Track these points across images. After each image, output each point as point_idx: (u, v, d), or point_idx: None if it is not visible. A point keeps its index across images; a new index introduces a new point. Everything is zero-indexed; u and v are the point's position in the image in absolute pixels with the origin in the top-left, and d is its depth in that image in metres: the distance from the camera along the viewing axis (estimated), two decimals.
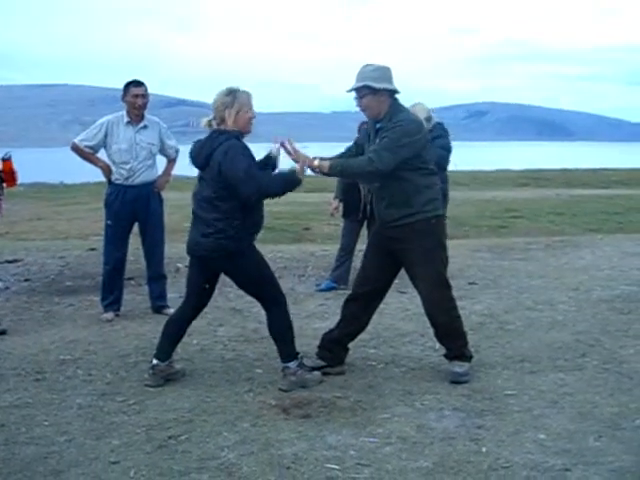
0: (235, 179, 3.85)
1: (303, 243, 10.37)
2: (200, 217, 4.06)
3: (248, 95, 4.04)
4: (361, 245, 6.07)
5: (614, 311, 5.89)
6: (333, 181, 7.01)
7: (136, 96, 5.64)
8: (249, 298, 4.44)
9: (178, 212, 9.97)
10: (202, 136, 4.12)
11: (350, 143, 4.61)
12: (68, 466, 3.19)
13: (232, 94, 3.99)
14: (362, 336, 4.66)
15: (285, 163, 4.14)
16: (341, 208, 6.95)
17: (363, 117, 4.51)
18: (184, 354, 4.72)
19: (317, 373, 4.28)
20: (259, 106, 4.16)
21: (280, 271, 7.59)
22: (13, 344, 5.04)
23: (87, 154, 5.72)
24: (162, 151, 5.94)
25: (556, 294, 6.52)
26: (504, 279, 7.25)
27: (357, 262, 5.39)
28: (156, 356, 4.24)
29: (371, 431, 3.54)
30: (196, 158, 4.06)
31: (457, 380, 4.20)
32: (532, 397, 4.00)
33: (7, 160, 5.62)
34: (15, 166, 5.65)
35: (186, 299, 4.30)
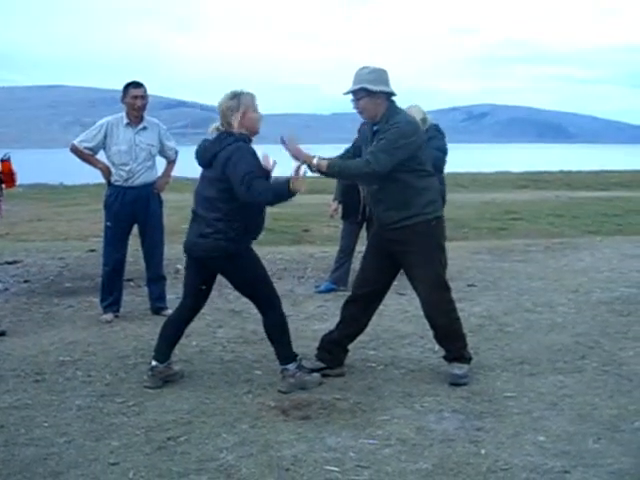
0: (234, 183, 3.87)
1: (302, 245, 10.37)
2: (200, 216, 4.07)
3: (252, 96, 4.06)
4: (360, 247, 6.07)
5: (613, 313, 5.89)
6: (332, 183, 7.02)
7: (135, 97, 5.64)
8: (248, 300, 4.44)
9: (177, 213, 9.97)
10: (203, 138, 4.15)
11: (349, 145, 4.62)
12: (67, 467, 3.19)
13: (236, 97, 4.01)
14: (361, 338, 4.66)
15: (282, 167, 4.14)
16: (340, 210, 6.95)
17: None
18: (183, 355, 4.72)
19: (316, 375, 4.28)
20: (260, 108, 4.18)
21: (279, 273, 7.60)
22: (12, 345, 5.04)
23: (86, 155, 5.73)
24: (161, 152, 5.94)
25: (555, 296, 6.52)
26: (503, 281, 7.25)
27: (356, 264, 5.39)
28: (155, 358, 4.24)
29: (370, 433, 3.54)
30: (201, 156, 4.07)
31: (456, 382, 4.20)
32: (531, 399, 3.99)
33: (6, 161, 5.62)
34: (14, 167, 5.66)
35: (183, 300, 4.31)
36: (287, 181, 3.90)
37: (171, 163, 6.06)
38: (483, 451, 3.33)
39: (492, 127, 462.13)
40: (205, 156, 4.04)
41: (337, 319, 4.56)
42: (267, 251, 8.12)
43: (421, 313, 4.42)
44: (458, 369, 4.26)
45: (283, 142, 4.13)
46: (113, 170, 5.72)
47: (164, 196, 6.04)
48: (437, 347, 4.55)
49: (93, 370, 4.51)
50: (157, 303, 5.93)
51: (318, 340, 4.56)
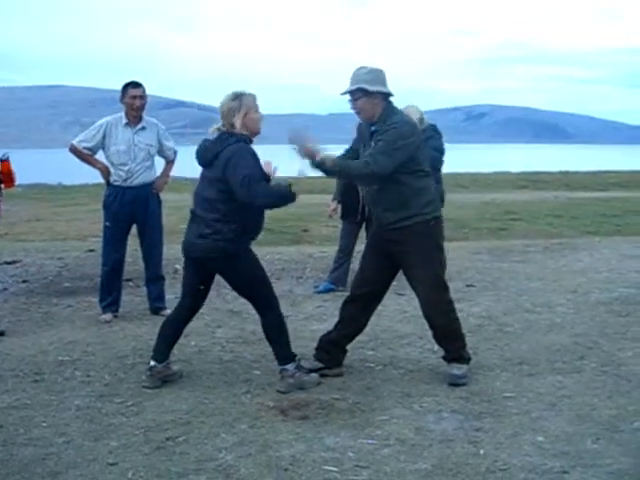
0: (234, 184, 3.87)
1: (301, 245, 10.37)
2: (199, 217, 4.07)
3: (254, 97, 4.07)
4: (360, 247, 6.07)
5: (612, 313, 5.89)
6: (332, 182, 7.02)
7: (134, 97, 5.64)
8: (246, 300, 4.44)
9: (176, 213, 9.97)
10: (202, 138, 4.15)
11: (348, 145, 4.61)
12: (66, 467, 3.19)
13: (238, 98, 4.01)
14: (360, 338, 4.66)
15: (283, 170, 4.13)
16: (339, 210, 6.95)
17: None
18: (182, 355, 4.72)
19: (315, 375, 4.28)
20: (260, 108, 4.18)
21: (278, 273, 7.60)
22: (11, 345, 5.04)
23: (85, 155, 5.72)
24: (160, 152, 5.94)
25: (554, 296, 6.52)
26: (503, 281, 7.25)
27: (355, 264, 5.39)
28: (153, 358, 4.24)
29: (369, 433, 3.54)
30: (202, 156, 4.07)
31: (455, 382, 4.21)
32: (530, 399, 4.00)
33: (5, 161, 5.62)
34: (13, 167, 5.66)
35: (181, 300, 4.31)
36: (289, 184, 3.90)
37: (170, 163, 6.06)
38: (482, 451, 3.34)
39: (490, 127, 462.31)
40: (206, 156, 4.04)
41: (336, 319, 4.56)
42: (266, 251, 8.12)
43: (420, 313, 4.42)
44: (457, 369, 4.26)
45: (293, 137, 4.11)
46: (112, 170, 5.72)
47: (163, 196, 6.03)
48: (436, 347, 4.56)
49: (92, 370, 4.51)
50: (156, 303, 5.92)
51: (317, 340, 4.56)
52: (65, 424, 3.66)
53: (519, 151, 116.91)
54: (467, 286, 6.93)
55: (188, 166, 4.10)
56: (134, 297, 6.45)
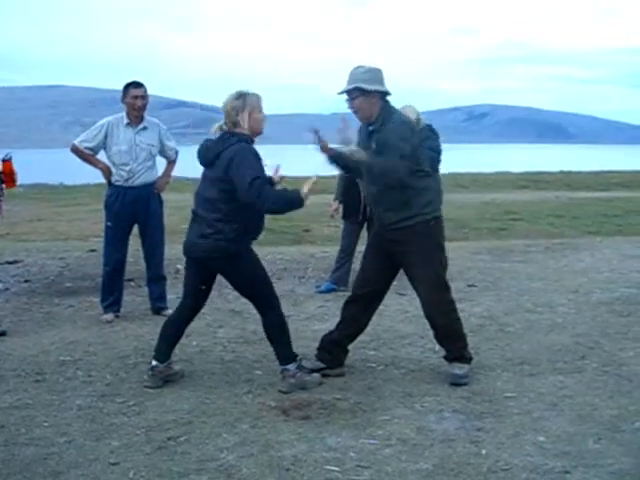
0: (240, 186, 3.85)
1: (303, 245, 10.37)
2: (200, 216, 4.06)
3: (258, 97, 4.06)
4: (361, 247, 6.07)
5: (613, 314, 5.89)
6: (333, 183, 7.02)
7: (135, 97, 5.64)
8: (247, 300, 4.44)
9: (178, 213, 9.97)
10: (204, 138, 4.15)
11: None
12: (68, 467, 3.19)
13: (242, 97, 4.01)
14: (362, 338, 4.66)
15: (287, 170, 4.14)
16: (341, 210, 6.95)
17: None
18: (183, 355, 4.72)
19: (316, 375, 4.28)
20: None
21: (280, 273, 7.60)
22: (13, 345, 5.05)
23: (87, 155, 5.73)
24: (162, 152, 5.94)
25: (556, 296, 6.52)
26: (504, 281, 7.25)
27: (357, 264, 5.39)
28: (155, 357, 4.24)
29: (371, 433, 3.55)
30: (204, 156, 4.07)
31: (457, 382, 4.21)
32: (532, 399, 4.00)
33: (7, 161, 5.63)
34: (15, 167, 5.66)
35: (183, 300, 4.31)
36: (298, 190, 3.90)
37: (171, 163, 6.06)
38: (483, 451, 3.34)
39: (492, 127, 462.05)
40: (207, 155, 4.04)
41: (337, 319, 4.57)
42: (267, 251, 8.12)
43: (421, 313, 4.43)
44: (458, 369, 4.27)
45: (314, 137, 4.12)
46: (113, 170, 5.72)
47: (164, 196, 6.04)
48: (437, 347, 4.56)
49: (93, 370, 4.51)
50: (157, 303, 5.93)
51: (318, 340, 4.56)
52: (67, 424, 3.66)
53: (521, 151, 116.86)
54: (468, 286, 6.93)
55: (190, 166, 4.10)
56: (135, 297, 6.45)
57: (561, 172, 27.35)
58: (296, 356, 4.23)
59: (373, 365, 4.61)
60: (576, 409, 3.84)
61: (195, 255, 4.12)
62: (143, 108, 5.69)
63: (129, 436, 3.51)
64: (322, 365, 4.40)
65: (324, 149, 4.14)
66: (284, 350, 4.20)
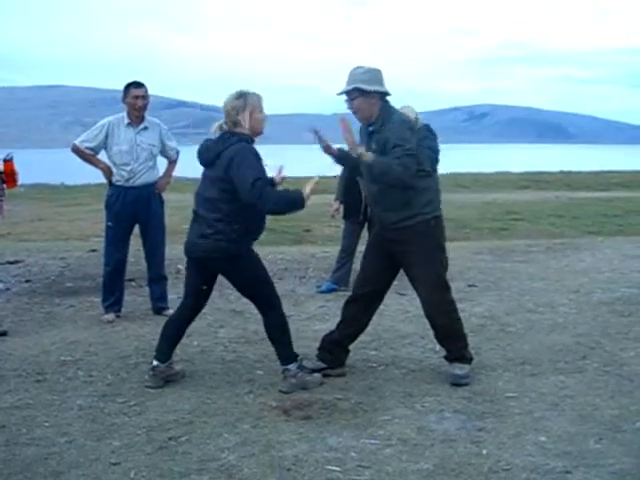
0: (241, 186, 3.84)
1: (304, 245, 10.38)
2: (201, 217, 4.06)
3: (258, 97, 4.06)
4: (362, 247, 6.07)
5: (614, 314, 5.89)
6: (334, 183, 7.02)
7: (136, 97, 5.64)
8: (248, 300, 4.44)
9: (179, 213, 9.97)
10: (204, 137, 4.14)
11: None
12: (68, 467, 3.19)
13: (243, 97, 4.00)
14: (362, 338, 4.66)
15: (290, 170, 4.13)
16: (342, 210, 6.95)
17: None
18: (184, 355, 4.72)
19: (317, 375, 4.28)
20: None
21: (281, 273, 7.60)
22: (14, 345, 5.05)
23: (88, 155, 5.73)
24: (163, 152, 5.94)
25: (557, 296, 6.52)
26: (505, 281, 7.25)
27: (358, 264, 5.39)
28: (156, 357, 4.24)
29: (372, 433, 3.55)
30: (204, 155, 4.06)
31: (458, 382, 4.20)
32: (533, 399, 4.00)
33: (8, 161, 5.63)
34: (16, 167, 5.66)
35: (184, 300, 4.31)
36: (300, 191, 3.89)
37: (172, 163, 6.06)
38: (484, 451, 3.34)
39: (492, 127, 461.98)
40: (207, 156, 4.03)
41: (338, 319, 4.56)
42: (268, 251, 8.12)
43: (422, 313, 4.42)
44: (459, 369, 4.26)
45: (314, 137, 4.12)
46: (114, 170, 5.72)
47: (165, 196, 6.04)
48: (438, 347, 4.55)
49: (94, 370, 4.51)
50: (158, 303, 5.93)
51: (319, 340, 4.56)
52: (67, 424, 3.66)
53: (522, 151, 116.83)
54: (469, 286, 6.93)
55: (190, 166, 4.10)
56: (136, 297, 6.45)
57: (561, 172, 27.36)
58: (297, 356, 4.23)
59: (374, 365, 4.61)
60: (577, 409, 3.84)
61: (196, 255, 4.11)
62: (144, 108, 5.69)
63: (130, 436, 3.51)
64: (323, 365, 4.40)
65: (327, 149, 4.14)
66: (285, 350, 4.20)
